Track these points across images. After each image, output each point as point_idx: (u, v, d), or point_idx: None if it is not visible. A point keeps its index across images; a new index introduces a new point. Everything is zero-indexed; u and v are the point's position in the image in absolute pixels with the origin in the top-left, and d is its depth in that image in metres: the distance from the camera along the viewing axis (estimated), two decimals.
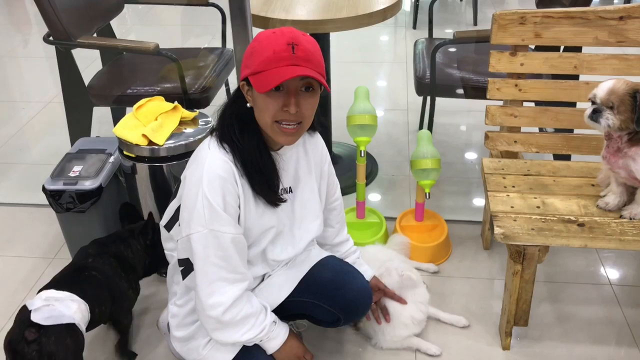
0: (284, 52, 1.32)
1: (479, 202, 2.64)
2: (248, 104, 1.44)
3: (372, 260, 2.03)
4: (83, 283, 1.70)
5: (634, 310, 2.06)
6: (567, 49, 2.07)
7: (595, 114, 1.63)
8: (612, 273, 2.23)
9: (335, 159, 2.83)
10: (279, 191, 1.53)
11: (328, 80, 2.60)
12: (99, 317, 1.72)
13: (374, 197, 2.71)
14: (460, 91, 2.57)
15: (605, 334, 1.97)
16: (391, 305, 1.87)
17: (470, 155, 3.01)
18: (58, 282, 1.69)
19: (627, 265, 2.27)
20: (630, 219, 1.73)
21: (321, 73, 1.37)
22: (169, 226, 1.59)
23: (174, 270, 1.64)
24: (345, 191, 2.61)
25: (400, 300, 1.88)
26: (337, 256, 1.81)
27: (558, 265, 2.25)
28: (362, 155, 2.26)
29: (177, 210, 1.52)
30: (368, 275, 1.85)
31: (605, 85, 1.62)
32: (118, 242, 1.88)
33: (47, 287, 1.66)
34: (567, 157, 2.24)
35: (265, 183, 1.48)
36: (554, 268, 2.24)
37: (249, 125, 1.45)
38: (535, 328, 1.97)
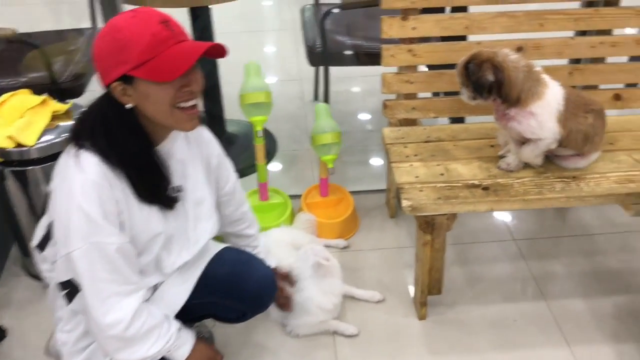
0: (163, 32, 1.21)
1: (381, 169, 2.61)
2: (127, 105, 1.26)
3: (278, 244, 1.95)
4: None
5: (536, 262, 2.12)
6: (454, 10, 2.05)
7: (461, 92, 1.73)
8: (514, 228, 2.28)
9: (230, 139, 2.68)
10: (169, 190, 1.38)
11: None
12: None
13: (276, 175, 2.60)
14: (354, 59, 2.49)
15: (514, 290, 2.02)
16: (301, 293, 1.79)
17: (368, 121, 2.97)
18: None
19: (527, 219, 2.33)
20: (507, 170, 1.77)
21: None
22: (43, 245, 1.39)
23: (54, 294, 1.44)
24: (244, 172, 2.50)
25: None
26: (242, 245, 1.71)
27: (462, 225, 2.27)
28: (260, 135, 2.14)
29: (50, 226, 1.33)
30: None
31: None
32: None
33: None
34: (461, 120, 2.24)
35: (152, 185, 1.33)
36: (458, 229, 2.25)
37: (125, 126, 1.29)
38: (448, 293, 1.98)
